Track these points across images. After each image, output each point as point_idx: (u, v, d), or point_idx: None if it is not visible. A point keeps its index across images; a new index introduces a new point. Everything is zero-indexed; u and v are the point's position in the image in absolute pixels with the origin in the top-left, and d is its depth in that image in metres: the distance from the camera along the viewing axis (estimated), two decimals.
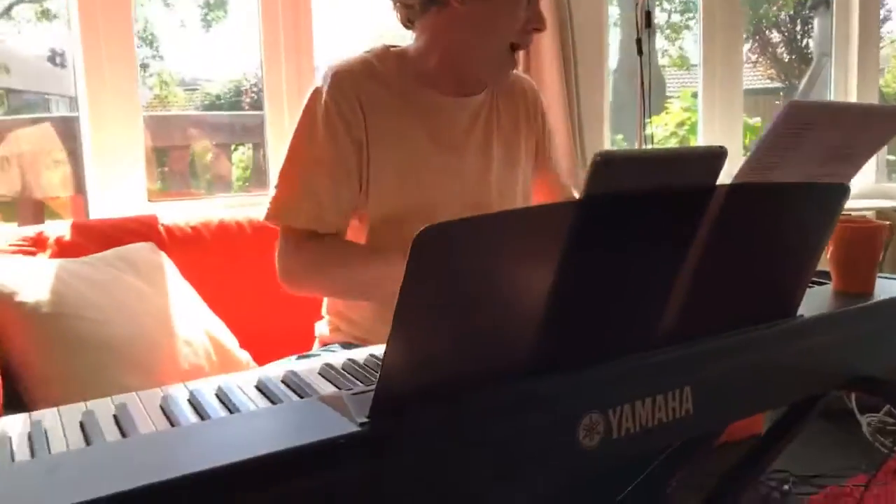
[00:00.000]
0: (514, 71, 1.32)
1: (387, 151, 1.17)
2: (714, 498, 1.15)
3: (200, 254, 1.58)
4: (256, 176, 2.53)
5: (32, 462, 0.59)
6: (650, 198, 0.65)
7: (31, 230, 1.44)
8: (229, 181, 2.52)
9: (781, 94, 7.47)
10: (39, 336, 1.14)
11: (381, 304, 1.21)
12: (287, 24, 2.05)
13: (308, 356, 1.18)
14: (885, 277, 1.06)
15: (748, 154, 0.70)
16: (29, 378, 1.14)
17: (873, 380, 0.97)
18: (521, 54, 2.22)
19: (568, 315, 0.69)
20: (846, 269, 1.01)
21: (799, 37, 7.84)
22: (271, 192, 1.19)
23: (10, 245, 1.37)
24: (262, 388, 0.75)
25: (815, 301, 0.96)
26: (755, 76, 7.55)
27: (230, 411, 0.69)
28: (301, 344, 1.38)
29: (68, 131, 2.04)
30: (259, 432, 0.63)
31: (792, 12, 7.46)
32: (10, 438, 0.64)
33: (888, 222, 1.04)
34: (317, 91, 1.17)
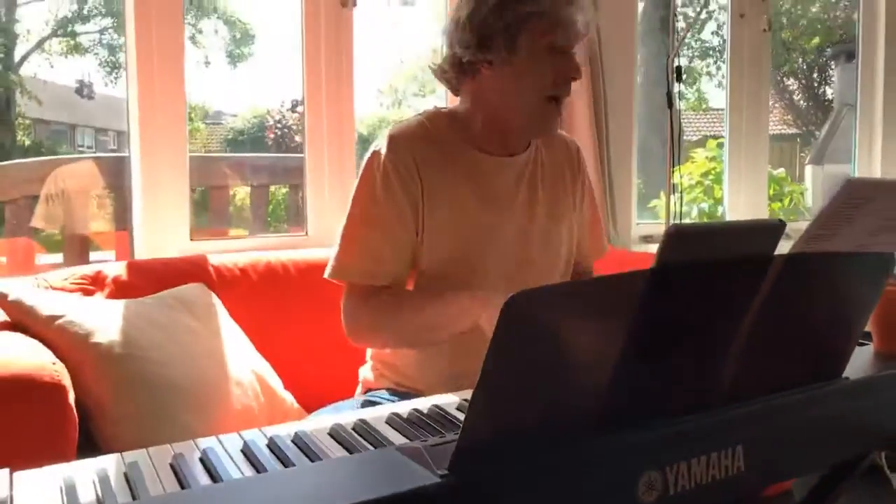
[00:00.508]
0: (560, 131, 1.40)
1: (438, 209, 1.23)
2: None
3: (248, 294, 1.63)
4: (292, 216, 2.59)
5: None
6: (715, 267, 0.69)
7: (88, 269, 1.50)
8: (265, 221, 2.58)
9: (798, 140, 7.53)
10: (112, 376, 1.19)
11: (423, 351, 1.25)
12: (329, 71, 2.12)
13: (365, 403, 1.22)
14: None
15: (807, 227, 0.74)
16: (100, 416, 1.18)
17: None
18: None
19: (634, 376, 0.72)
20: (887, 331, 1.04)
21: (816, 84, 7.93)
22: (333, 249, 1.24)
23: (72, 283, 1.42)
24: (336, 436, 0.79)
25: (857, 362, 0.99)
26: (772, 122, 7.62)
27: (309, 458, 0.73)
28: (342, 387, 1.42)
29: (112, 169, 2.11)
30: (343, 482, 0.66)
31: (811, 60, 7.55)
32: (110, 479, 0.68)
33: None
34: (375, 153, 1.24)
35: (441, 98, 2.31)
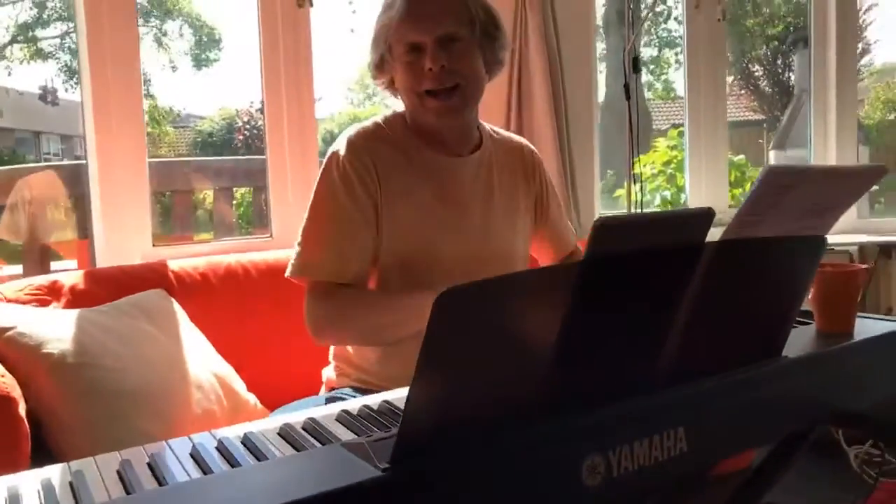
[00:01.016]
0: (514, 135, 1.47)
1: (396, 207, 1.26)
2: None
3: (208, 298, 1.63)
4: (258, 219, 2.59)
5: None
6: (646, 257, 0.71)
7: (44, 279, 1.49)
8: (231, 224, 2.58)
9: (764, 125, 7.65)
10: (65, 386, 1.19)
11: (385, 348, 1.27)
12: (288, 74, 2.12)
13: (321, 399, 1.23)
14: (864, 317, 1.12)
15: (735, 214, 0.77)
16: (55, 425, 1.18)
17: (855, 415, 1.03)
18: (514, 94, 2.32)
19: (572, 364, 0.74)
20: (827, 311, 1.07)
21: (780, 70, 8.05)
22: (294, 248, 1.25)
23: (27, 294, 1.41)
24: (285, 436, 0.80)
25: (799, 341, 1.02)
26: (738, 109, 7.73)
27: (257, 458, 0.74)
28: (305, 386, 1.43)
29: (73, 177, 2.09)
30: (288, 479, 0.67)
31: (774, 47, 7.67)
32: (55, 488, 0.68)
33: (865, 266, 1.11)
34: (334, 154, 1.27)
35: None
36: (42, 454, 1.12)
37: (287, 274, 1.25)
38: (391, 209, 1.25)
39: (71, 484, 0.69)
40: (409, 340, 1.21)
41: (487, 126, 1.43)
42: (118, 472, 0.72)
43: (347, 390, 1.30)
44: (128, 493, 0.67)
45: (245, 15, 2.16)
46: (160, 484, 0.69)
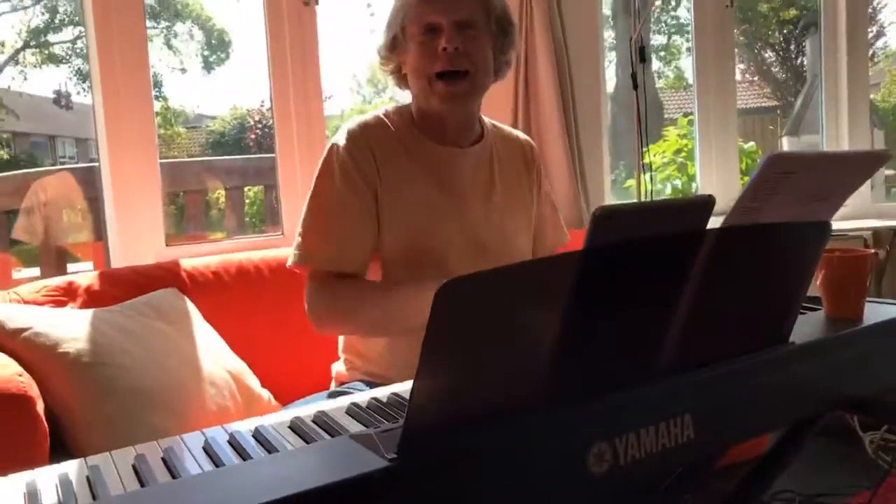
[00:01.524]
0: (516, 131, 1.47)
1: (397, 198, 1.26)
2: None
3: (221, 296, 1.65)
4: (269, 217, 2.61)
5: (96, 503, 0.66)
6: (647, 245, 0.72)
7: (60, 280, 1.51)
8: (243, 223, 2.60)
9: (778, 111, 7.57)
10: (80, 385, 1.21)
11: (393, 340, 1.28)
12: (296, 73, 2.14)
13: (332, 393, 1.25)
14: (873, 302, 1.12)
15: (736, 200, 0.77)
16: (71, 424, 1.21)
17: (864, 400, 1.03)
18: (520, 86, 2.32)
19: (576, 352, 0.75)
20: (835, 296, 1.07)
21: (793, 56, 7.96)
22: (295, 239, 1.26)
23: (43, 295, 1.44)
24: (295, 429, 0.82)
25: (807, 327, 1.02)
26: (751, 96, 7.66)
27: (268, 451, 0.76)
28: (318, 382, 1.45)
29: (88, 179, 2.12)
30: (298, 471, 0.69)
31: (787, 31, 7.59)
32: (72, 482, 0.70)
33: (873, 251, 1.10)
34: (334, 146, 1.28)
35: None
36: (60, 452, 1.15)
37: (288, 264, 1.27)
38: (391, 199, 1.26)
39: (88, 478, 0.71)
40: (416, 332, 1.23)
41: (488, 120, 1.43)
42: (133, 467, 0.73)
43: (357, 384, 1.31)
44: (142, 486, 0.69)
45: (253, 14, 2.18)
46: (173, 477, 0.71)
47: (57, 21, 7.71)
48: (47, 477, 0.71)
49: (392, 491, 0.65)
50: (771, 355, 0.92)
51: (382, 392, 0.93)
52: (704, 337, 0.87)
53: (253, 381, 1.54)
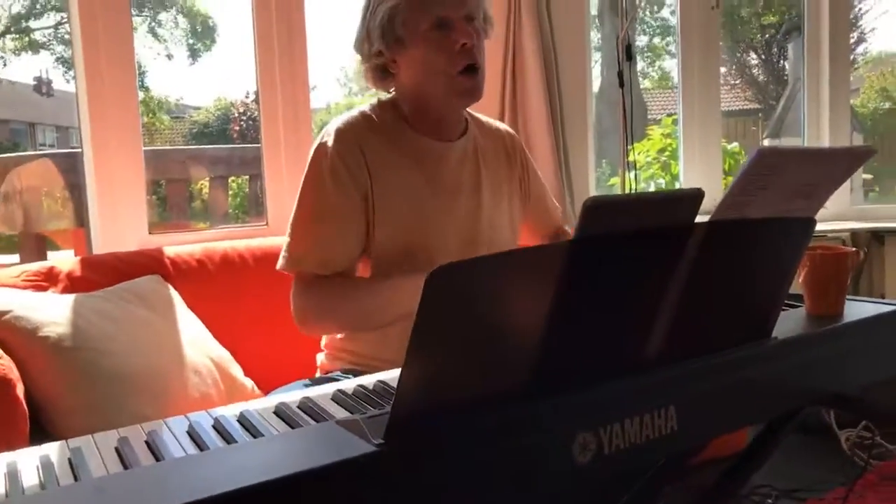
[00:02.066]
0: (494, 120, 1.47)
1: (388, 195, 1.25)
2: None
3: (204, 284, 1.64)
4: (254, 207, 2.60)
5: (78, 485, 0.65)
6: (635, 237, 0.72)
7: (41, 265, 1.49)
8: (226, 213, 2.58)
9: (760, 114, 7.66)
10: (61, 369, 1.20)
11: (376, 332, 1.28)
12: (283, 63, 2.12)
13: (317, 381, 1.24)
14: (854, 300, 1.14)
15: (723, 194, 0.78)
16: (52, 408, 1.19)
17: (844, 396, 1.05)
18: (507, 83, 2.33)
19: (563, 342, 0.75)
20: (817, 293, 1.08)
21: (775, 59, 8.05)
22: (284, 241, 1.25)
23: (23, 280, 1.42)
24: (280, 414, 0.81)
25: (789, 323, 1.04)
26: (734, 98, 7.74)
27: (253, 436, 0.75)
28: (301, 371, 1.44)
29: (69, 166, 2.10)
30: (283, 454, 0.69)
31: (769, 36, 7.67)
32: (53, 464, 0.69)
33: (855, 249, 1.12)
34: (322, 145, 1.26)
35: None
36: (40, 437, 1.13)
37: (277, 267, 1.25)
38: (383, 199, 1.25)
39: (69, 460, 0.70)
40: (398, 323, 1.23)
41: (469, 112, 1.42)
42: (116, 449, 0.73)
43: (339, 374, 1.31)
44: (125, 468, 0.69)
45: (239, 3, 2.16)
46: (157, 460, 0.70)
47: (38, 7, 7.60)
48: (28, 458, 0.71)
49: (378, 476, 0.65)
50: (754, 350, 0.93)
51: (368, 379, 0.93)
52: (689, 330, 0.87)
53: (236, 370, 1.53)
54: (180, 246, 1.72)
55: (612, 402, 0.80)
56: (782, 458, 1.17)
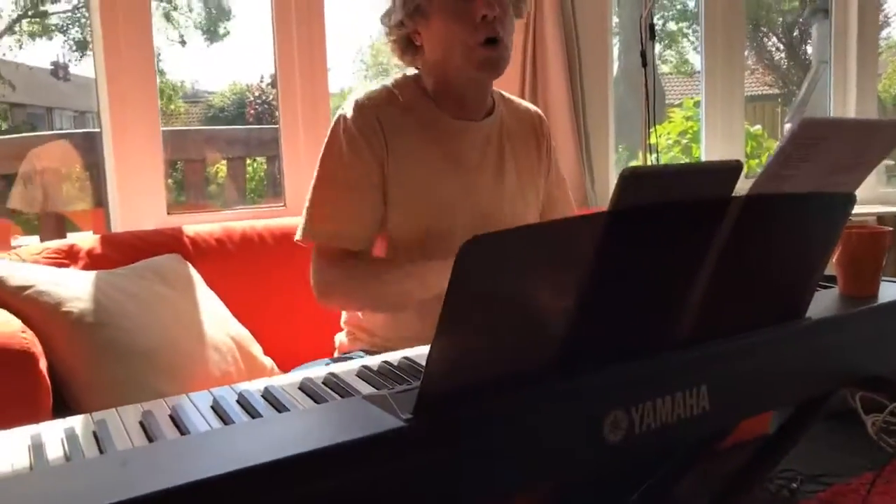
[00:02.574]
0: (525, 101, 1.43)
1: (406, 171, 1.24)
2: (725, 496, 1.20)
3: (224, 264, 1.63)
4: (272, 188, 2.59)
5: (104, 457, 0.64)
6: (672, 209, 0.70)
7: (61, 243, 1.49)
8: (244, 194, 2.57)
9: (779, 100, 7.55)
10: (84, 344, 1.19)
11: (396, 315, 1.27)
12: (301, 42, 2.10)
13: (337, 360, 1.23)
14: (889, 281, 1.11)
15: (763, 166, 0.75)
16: (74, 383, 1.19)
17: (878, 378, 1.02)
18: (528, 66, 2.30)
19: (595, 319, 0.73)
20: (852, 274, 1.06)
21: (797, 44, 7.93)
22: (303, 213, 1.25)
23: (44, 257, 1.42)
24: (305, 389, 0.80)
25: (823, 304, 1.01)
26: (753, 83, 7.64)
27: (278, 410, 0.74)
28: (321, 350, 1.43)
29: (87, 146, 2.09)
30: (310, 429, 0.67)
31: (790, 20, 7.55)
32: (78, 437, 0.68)
33: (891, 228, 1.09)
34: (341, 117, 1.25)
35: None
36: (62, 412, 1.13)
37: (295, 238, 1.25)
38: (400, 172, 1.23)
39: (94, 433, 0.69)
40: (421, 305, 1.22)
41: (498, 92, 1.40)
42: (140, 423, 0.72)
43: (359, 353, 1.30)
44: (150, 441, 0.68)
45: None
46: (182, 433, 0.69)
47: None
48: (53, 431, 0.70)
49: (407, 451, 0.64)
50: (788, 330, 0.91)
51: (394, 356, 0.92)
52: (723, 307, 0.85)
53: (256, 349, 1.52)
54: (199, 225, 1.71)
55: (643, 380, 0.78)
56: (807, 442, 1.15)
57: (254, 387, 0.81)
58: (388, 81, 1.32)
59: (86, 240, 1.53)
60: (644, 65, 2.25)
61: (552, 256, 0.68)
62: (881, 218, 2.44)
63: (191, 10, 8.35)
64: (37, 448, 0.66)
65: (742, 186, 0.75)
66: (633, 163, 3.03)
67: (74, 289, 1.26)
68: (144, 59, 1.91)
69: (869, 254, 1.05)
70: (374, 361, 0.89)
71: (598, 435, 0.74)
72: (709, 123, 2.71)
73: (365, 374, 0.85)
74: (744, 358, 0.87)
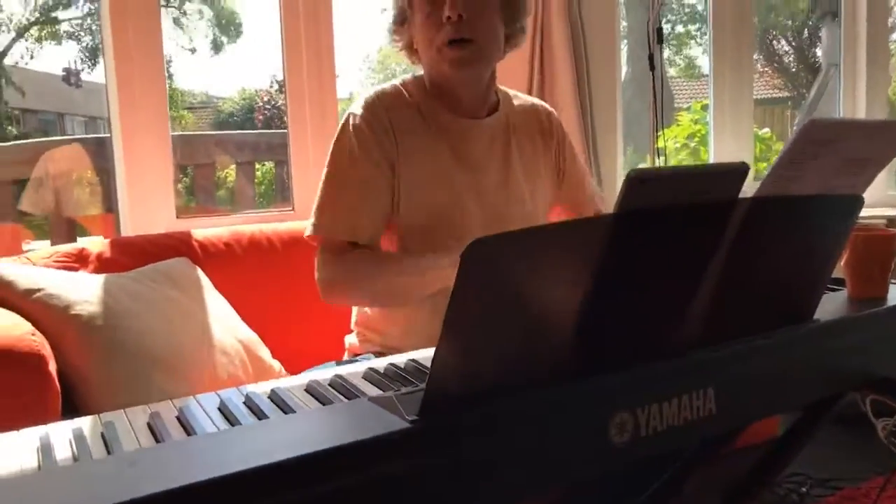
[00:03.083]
0: (531, 97, 1.45)
1: (414, 168, 1.25)
2: (733, 499, 1.19)
3: (233, 267, 1.64)
4: (280, 193, 2.60)
5: (111, 458, 0.64)
6: (679, 212, 0.70)
7: (71, 247, 1.50)
8: (252, 200, 2.58)
9: (789, 103, 7.51)
10: (93, 347, 1.20)
11: (408, 313, 1.27)
12: (309, 47, 2.11)
13: (346, 363, 1.23)
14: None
15: (770, 168, 0.75)
16: (83, 386, 1.20)
17: (888, 381, 1.01)
18: (536, 69, 2.30)
19: (602, 320, 0.73)
20: (860, 276, 1.05)
21: (806, 47, 7.89)
22: (313, 210, 1.26)
23: (54, 261, 1.43)
24: (312, 391, 0.80)
25: (831, 306, 1.00)
26: (762, 86, 7.60)
27: (284, 412, 0.74)
28: (329, 354, 1.44)
29: (98, 151, 2.11)
30: (316, 431, 0.68)
31: (799, 22, 7.51)
32: (86, 437, 0.69)
33: None
34: (350, 115, 1.27)
35: None
36: (71, 414, 1.13)
37: (305, 234, 1.26)
38: (408, 170, 1.25)
39: (102, 434, 0.70)
40: (430, 303, 1.22)
41: (504, 90, 1.41)
42: (148, 424, 0.72)
43: (369, 356, 1.30)
44: (157, 442, 0.68)
45: None
46: (189, 434, 0.70)
47: None
48: (61, 432, 0.70)
49: (412, 453, 0.64)
50: (796, 332, 0.91)
51: (400, 358, 0.92)
52: (730, 309, 0.85)
53: (264, 352, 1.53)
54: (208, 229, 1.72)
55: (650, 382, 0.78)
56: (816, 446, 1.14)
57: (260, 388, 0.81)
58: (397, 81, 1.34)
59: (96, 243, 1.54)
60: (652, 68, 2.25)
61: (558, 258, 0.68)
62: (891, 220, 2.42)
63: (201, 17, 8.40)
64: (45, 448, 0.66)
65: (750, 189, 0.75)
66: (641, 166, 3.02)
67: (84, 292, 1.27)
68: (154, 66, 1.92)
69: (877, 256, 1.04)
70: (380, 363, 0.90)
71: (604, 437, 0.73)
72: (717, 127, 2.70)
73: (371, 375, 0.85)
74: (751, 360, 0.87)
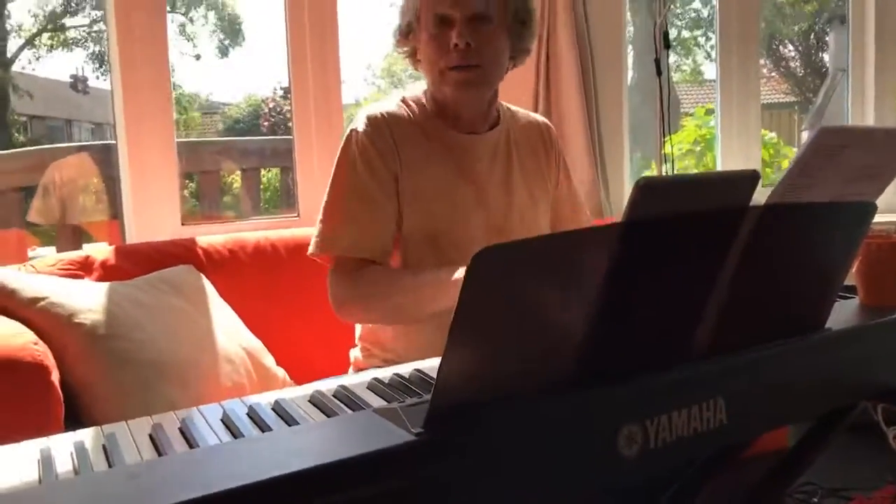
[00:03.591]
0: (532, 113, 1.45)
1: (417, 184, 1.25)
2: None
3: (237, 275, 1.63)
4: (285, 199, 2.60)
5: (112, 471, 0.63)
6: (688, 220, 0.69)
7: (76, 254, 1.50)
8: (258, 204, 2.58)
9: (796, 108, 7.49)
10: (96, 356, 1.20)
11: (411, 328, 1.26)
12: (315, 54, 2.11)
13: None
14: None
15: (781, 175, 0.74)
16: (86, 395, 1.20)
17: None
18: (542, 75, 2.29)
19: (609, 330, 0.72)
20: (872, 284, 1.04)
21: (813, 51, 7.86)
22: (316, 227, 1.25)
23: (59, 269, 1.43)
24: (315, 402, 0.79)
25: (843, 315, 0.99)
26: (769, 91, 7.57)
27: (288, 424, 0.73)
28: (334, 360, 1.43)
29: (105, 158, 2.11)
30: (319, 443, 0.67)
31: (806, 27, 7.49)
32: (87, 450, 0.68)
33: None
34: (353, 131, 1.27)
35: None
36: (74, 423, 1.13)
37: (309, 252, 1.25)
38: (411, 185, 1.25)
39: (104, 446, 0.69)
40: (435, 319, 1.21)
41: (505, 105, 1.41)
42: (150, 436, 0.72)
43: (374, 371, 1.29)
44: (159, 454, 0.67)
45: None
46: (191, 447, 0.69)
47: (74, 5, 7.71)
48: (62, 444, 0.70)
49: (418, 466, 0.63)
50: (808, 341, 0.89)
51: (405, 368, 0.91)
52: (741, 319, 0.83)
53: (268, 360, 1.52)
54: (213, 236, 1.72)
55: (659, 393, 0.76)
56: (828, 455, 1.12)
57: (264, 400, 0.80)
58: (398, 96, 1.34)
59: (100, 251, 1.54)
60: (659, 73, 2.24)
61: (565, 267, 0.67)
62: None
63: (206, 24, 8.43)
64: (46, 461, 0.66)
65: (759, 195, 0.74)
66: (647, 172, 3.01)
67: (87, 300, 1.26)
68: (160, 73, 1.92)
69: (890, 264, 1.03)
70: (385, 374, 0.88)
71: (612, 449, 0.72)
72: (724, 132, 2.68)
73: (376, 386, 0.84)
74: (762, 370, 0.85)
